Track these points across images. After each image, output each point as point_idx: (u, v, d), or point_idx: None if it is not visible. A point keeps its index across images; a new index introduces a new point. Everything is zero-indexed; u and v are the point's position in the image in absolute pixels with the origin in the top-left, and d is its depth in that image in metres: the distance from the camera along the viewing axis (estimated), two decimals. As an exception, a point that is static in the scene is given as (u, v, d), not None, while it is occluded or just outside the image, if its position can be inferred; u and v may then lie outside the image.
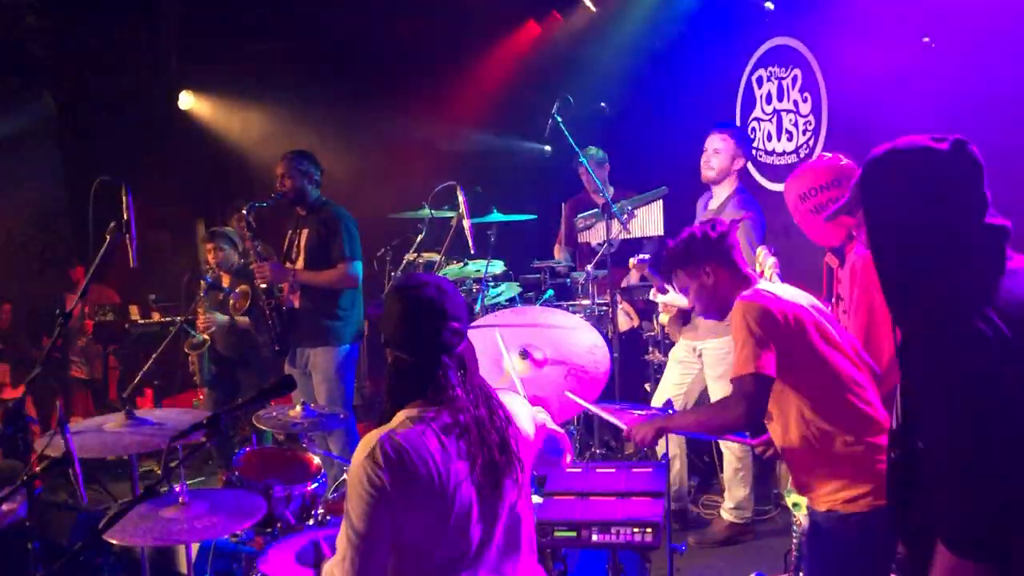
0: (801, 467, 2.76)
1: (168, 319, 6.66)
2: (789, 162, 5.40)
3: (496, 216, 5.38)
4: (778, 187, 5.44)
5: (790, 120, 5.40)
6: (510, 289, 5.74)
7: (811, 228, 3.32)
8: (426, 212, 5.54)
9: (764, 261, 3.67)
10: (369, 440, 2.09)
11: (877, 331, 3.12)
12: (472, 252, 4.86)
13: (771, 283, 2.96)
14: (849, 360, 2.72)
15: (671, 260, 2.99)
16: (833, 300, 3.41)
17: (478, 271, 5.53)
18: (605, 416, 3.17)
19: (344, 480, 3.56)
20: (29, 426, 2.90)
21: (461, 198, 4.64)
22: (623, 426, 3.04)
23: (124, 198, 3.02)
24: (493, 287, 5.67)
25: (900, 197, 2.01)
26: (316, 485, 3.60)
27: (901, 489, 2.07)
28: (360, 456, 2.07)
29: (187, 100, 8.43)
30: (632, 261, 4.87)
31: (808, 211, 3.28)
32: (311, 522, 3.50)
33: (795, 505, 3.34)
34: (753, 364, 2.62)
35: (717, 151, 4.70)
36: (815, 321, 2.72)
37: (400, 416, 2.16)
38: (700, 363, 4.75)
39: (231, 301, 5.79)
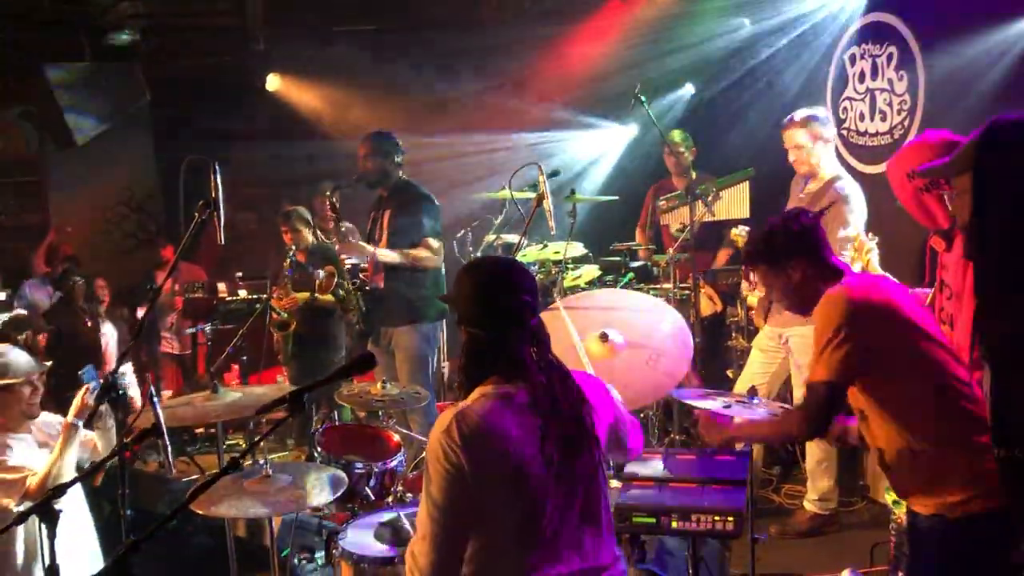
0: (901, 471, 2.56)
1: (254, 296, 6.81)
2: (882, 143, 5.21)
3: (577, 198, 5.33)
4: (870, 168, 5.25)
5: (884, 100, 5.20)
6: (590, 272, 5.69)
7: (919, 208, 3.11)
8: (506, 193, 5.51)
9: (863, 247, 3.55)
10: (445, 417, 2.12)
11: None
12: (552, 234, 4.82)
13: (865, 273, 2.83)
14: (951, 355, 2.54)
15: (752, 254, 2.84)
16: (936, 286, 3.22)
17: (557, 253, 5.49)
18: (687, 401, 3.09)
19: (423, 458, 3.59)
20: (127, 398, 2.97)
21: (542, 179, 4.60)
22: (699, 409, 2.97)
23: (212, 176, 3.06)
24: (572, 269, 5.64)
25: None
26: (396, 462, 3.63)
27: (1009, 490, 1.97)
28: (437, 433, 2.11)
29: (274, 82, 8.56)
30: (734, 231, 4.81)
31: (916, 189, 3.07)
32: (390, 499, 3.53)
33: (895, 502, 3.20)
34: (829, 371, 2.50)
35: (799, 146, 4.50)
36: (913, 314, 2.55)
37: (476, 393, 2.19)
38: (784, 351, 4.61)
39: (317, 281, 5.87)
